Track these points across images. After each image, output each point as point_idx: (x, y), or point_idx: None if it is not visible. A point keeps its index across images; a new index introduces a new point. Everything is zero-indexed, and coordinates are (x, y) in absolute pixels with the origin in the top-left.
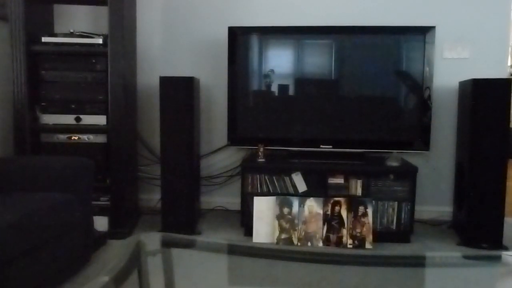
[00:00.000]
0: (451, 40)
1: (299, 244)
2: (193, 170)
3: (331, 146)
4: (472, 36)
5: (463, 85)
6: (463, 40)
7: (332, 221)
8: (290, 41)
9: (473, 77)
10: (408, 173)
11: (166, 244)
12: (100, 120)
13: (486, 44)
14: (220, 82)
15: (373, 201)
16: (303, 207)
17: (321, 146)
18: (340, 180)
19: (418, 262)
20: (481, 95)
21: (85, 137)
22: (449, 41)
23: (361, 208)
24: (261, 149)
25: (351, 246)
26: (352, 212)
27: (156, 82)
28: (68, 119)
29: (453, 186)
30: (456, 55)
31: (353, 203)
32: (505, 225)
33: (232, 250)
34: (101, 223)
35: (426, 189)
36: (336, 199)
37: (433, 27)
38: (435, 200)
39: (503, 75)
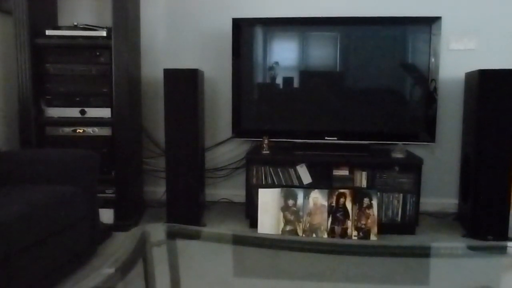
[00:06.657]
0: (457, 31)
1: (303, 236)
2: (197, 163)
3: (336, 138)
4: (479, 27)
5: (470, 76)
6: (470, 31)
7: (337, 213)
8: (295, 32)
9: (480, 68)
10: (414, 165)
11: (171, 235)
12: (104, 113)
13: (492, 35)
14: (224, 74)
15: (378, 193)
16: (308, 199)
17: (325, 138)
18: (345, 172)
19: (423, 252)
20: (487, 86)
21: (90, 130)
22: (455, 32)
23: (366, 200)
24: (266, 141)
25: (356, 238)
26: (357, 204)
27: (160, 75)
28: (73, 112)
29: (458, 178)
30: (462, 46)
31: (358, 195)
32: (510, 217)
33: (237, 241)
34: (106, 215)
35: (431, 181)
36: (341, 191)
37: (439, 18)
38: (441, 192)
39: (510, 65)
